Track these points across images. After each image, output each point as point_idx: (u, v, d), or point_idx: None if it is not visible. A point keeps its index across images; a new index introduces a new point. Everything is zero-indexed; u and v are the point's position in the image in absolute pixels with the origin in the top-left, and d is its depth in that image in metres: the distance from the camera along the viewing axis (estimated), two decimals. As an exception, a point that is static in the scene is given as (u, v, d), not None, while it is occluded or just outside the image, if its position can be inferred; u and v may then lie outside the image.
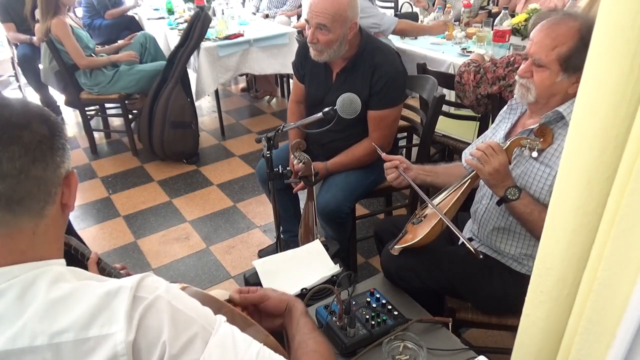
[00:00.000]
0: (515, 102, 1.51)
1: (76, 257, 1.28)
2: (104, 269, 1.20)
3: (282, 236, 1.98)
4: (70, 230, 1.66)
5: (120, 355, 0.66)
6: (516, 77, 1.40)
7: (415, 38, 3.39)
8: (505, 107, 1.57)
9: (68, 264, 0.75)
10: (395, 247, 1.49)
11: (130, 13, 4.99)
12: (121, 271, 1.20)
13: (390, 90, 1.98)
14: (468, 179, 1.44)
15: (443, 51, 3.11)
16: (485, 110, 2.36)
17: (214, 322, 0.75)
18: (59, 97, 4.22)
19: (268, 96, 4.80)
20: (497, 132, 1.57)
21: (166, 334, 0.68)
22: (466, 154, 1.63)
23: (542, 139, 1.32)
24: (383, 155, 1.62)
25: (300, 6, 4.75)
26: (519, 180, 1.38)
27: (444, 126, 2.66)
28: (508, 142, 1.35)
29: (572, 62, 1.27)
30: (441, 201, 1.53)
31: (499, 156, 1.31)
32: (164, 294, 0.71)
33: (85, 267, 1.16)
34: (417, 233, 1.46)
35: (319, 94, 2.10)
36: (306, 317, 0.95)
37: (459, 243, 1.49)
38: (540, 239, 1.32)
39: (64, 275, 0.71)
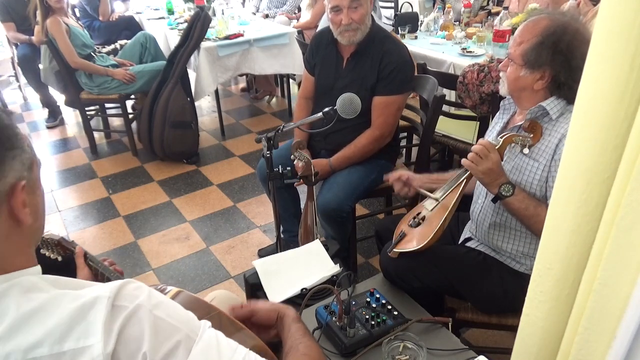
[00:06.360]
0: (508, 102, 1.56)
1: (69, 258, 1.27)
2: (91, 264, 1.18)
3: (282, 236, 1.98)
4: None
5: None
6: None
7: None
8: (500, 108, 1.60)
9: (64, 269, 0.73)
10: (394, 250, 1.48)
11: (129, 13, 4.99)
12: (105, 262, 1.18)
13: (398, 78, 2.02)
14: (464, 179, 1.46)
15: (443, 51, 3.11)
16: (489, 110, 2.37)
17: (198, 328, 0.73)
18: (59, 97, 4.22)
19: (268, 96, 4.80)
20: (492, 133, 1.60)
21: (147, 344, 0.66)
22: None
23: (532, 135, 1.36)
24: (385, 177, 1.77)
25: (299, 9, 4.75)
26: (510, 176, 1.41)
27: (444, 126, 2.66)
28: (501, 140, 1.38)
29: (530, 57, 1.34)
30: (440, 200, 1.53)
31: (492, 155, 1.34)
32: (145, 303, 0.69)
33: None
34: (420, 239, 1.45)
35: (329, 82, 2.15)
36: (298, 323, 0.94)
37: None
38: (538, 235, 1.36)
39: (37, 284, 0.68)
